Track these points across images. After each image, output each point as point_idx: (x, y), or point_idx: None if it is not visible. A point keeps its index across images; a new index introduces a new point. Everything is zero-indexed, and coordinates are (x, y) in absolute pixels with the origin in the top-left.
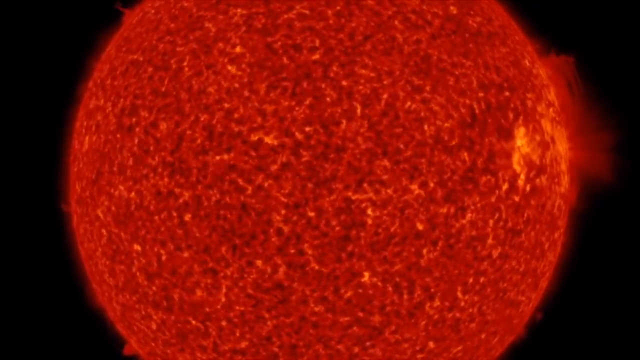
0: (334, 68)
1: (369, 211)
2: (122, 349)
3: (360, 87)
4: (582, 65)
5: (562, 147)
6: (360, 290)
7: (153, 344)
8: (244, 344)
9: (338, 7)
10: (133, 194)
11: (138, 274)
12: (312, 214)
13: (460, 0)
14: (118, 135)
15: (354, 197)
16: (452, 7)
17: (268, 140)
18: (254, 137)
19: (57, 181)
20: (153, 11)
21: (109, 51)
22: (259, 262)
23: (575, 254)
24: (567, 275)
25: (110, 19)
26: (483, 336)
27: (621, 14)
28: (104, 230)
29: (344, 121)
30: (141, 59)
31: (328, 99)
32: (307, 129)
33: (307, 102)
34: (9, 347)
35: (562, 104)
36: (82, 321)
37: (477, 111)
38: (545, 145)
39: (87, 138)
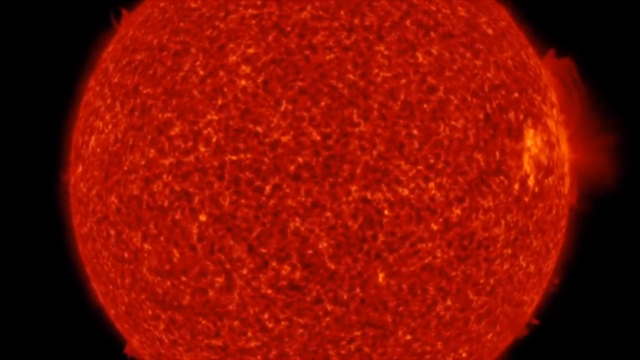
0: (350, 68)
1: (386, 211)
2: (122, 348)
3: (377, 87)
4: (582, 66)
5: (564, 148)
6: (374, 291)
7: (159, 344)
8: (254, 344)
9: (351, 7)
10: (145, 194)
11: (148, 273)
12: (328, 214)
13: (468, 1)
14: (129, 135)
15: (370, 197)
16: (460, 8)
17: (285, 140)
18: (271, 138)
19: (57, 181)
20: (159, 11)
21: (113, 51)
22: (274, 262)
23: (576, 255)
24: (567, 275)
25: (110, 19)
26: (489, 336)
27: (621, 14)
28: (112, 230)
29: (361, 121)
30: (150, 58)
31: (344, 99)
32: (324, 129)
33: (324, 102)
34: (9, 347)
35: (562, 105)
36: (82, 321)
37: (489, 112)
38: (551, 146)
39: (92, 137)
